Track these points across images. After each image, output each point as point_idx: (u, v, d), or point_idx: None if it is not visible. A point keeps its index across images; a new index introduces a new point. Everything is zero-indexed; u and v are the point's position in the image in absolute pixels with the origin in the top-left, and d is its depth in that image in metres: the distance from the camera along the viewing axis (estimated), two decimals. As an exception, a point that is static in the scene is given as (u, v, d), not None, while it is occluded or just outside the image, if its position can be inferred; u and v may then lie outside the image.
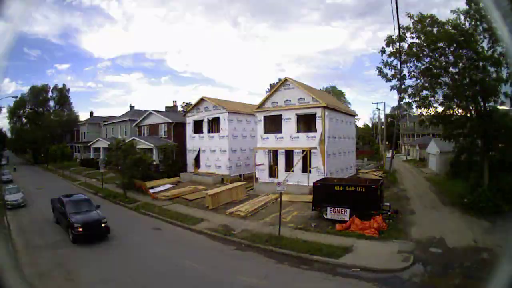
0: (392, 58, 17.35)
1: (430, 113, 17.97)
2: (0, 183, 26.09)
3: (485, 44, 15.41)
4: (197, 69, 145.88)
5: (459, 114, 17.46)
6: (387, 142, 41.79)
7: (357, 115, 35.47)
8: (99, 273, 9.79)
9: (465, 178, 18.16)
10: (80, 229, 12.46)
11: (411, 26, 16.48)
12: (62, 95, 56.18)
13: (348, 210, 13.83)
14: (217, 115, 26.90)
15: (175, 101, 45.36)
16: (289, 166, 22.31)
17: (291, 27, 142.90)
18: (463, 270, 9.33)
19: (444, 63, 16.32)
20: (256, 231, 13.39)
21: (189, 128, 29.49)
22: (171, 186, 24.68)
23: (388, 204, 15.29)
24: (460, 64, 15.71)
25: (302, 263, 10.28)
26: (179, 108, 45.83)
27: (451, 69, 16.37)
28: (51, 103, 55.82)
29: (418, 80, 17.43)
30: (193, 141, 28.97)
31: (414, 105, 18.63)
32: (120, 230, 14.28)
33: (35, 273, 9.66)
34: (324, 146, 20.91)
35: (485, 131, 15.82)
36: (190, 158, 29.18)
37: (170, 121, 32.93)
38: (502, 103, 15.60)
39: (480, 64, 15.16)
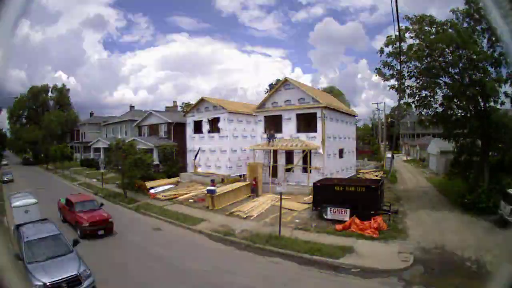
0: (391, 58, 17.35)
1: (430, 113, 17.97)
2: (0, 182, 26.08)
3: (485, 44, 15.43)
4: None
5: (459, 114, 17.46)
6: (387, 142, 41.82)
7: (357, 115, 35.48)
8: (99, 273, 9.78)
9: (465, 178, 18.14)
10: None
11: (410, 26, 16.49)
12: (62, 95, 56.16)
13: (348, 210, 13.82)
14: (217, 115, 26.91)
15: (175, 101, 45.45)
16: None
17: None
18: (463, 270, 9.33)
19: (443, 63, 16.30)
20: (256, 231, 13.38)
21: (189, 128, 29.50)
22: (171, 186, 24.67)
23: (388, 204, 15.32)
24: (460, 64, 15.69)
25: (302, 263, 10.28)
26: (179, 109, 45.81)
27: (450, 69, 16.36)
28: (51, 103, 55.83)
29: (418, 80, 17.43)
30: (193, 141, 28.97)
31: (413, 106, 18.61)
32: (120, 231, 14.29)
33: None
34: (324, 146, 20.92)
35: (485, 131, 15.83)
36: (190, 158, 29.20)
37: (170, 121, 32.93)
38: (502, 103, 15.59)
39: (480, 64, 15.15)
